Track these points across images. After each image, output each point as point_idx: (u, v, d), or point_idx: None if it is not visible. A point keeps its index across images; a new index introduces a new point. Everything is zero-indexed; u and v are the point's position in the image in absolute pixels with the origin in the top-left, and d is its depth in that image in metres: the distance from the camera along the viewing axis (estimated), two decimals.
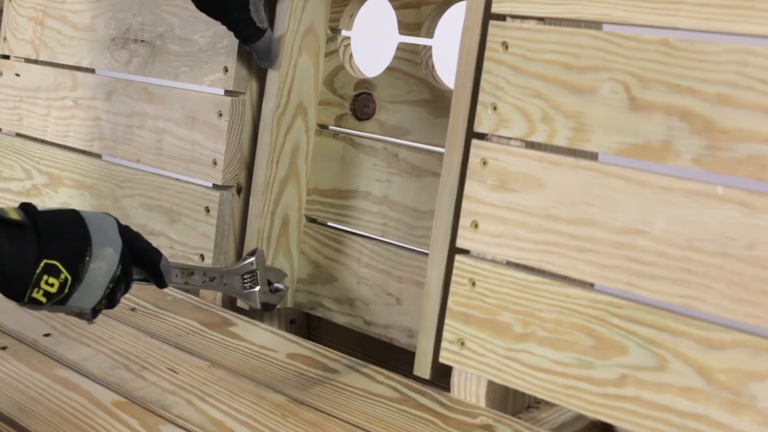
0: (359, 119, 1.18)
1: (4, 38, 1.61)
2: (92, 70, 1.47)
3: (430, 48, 1.14)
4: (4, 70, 1.60)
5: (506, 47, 0.95)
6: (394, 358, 1.19)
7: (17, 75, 1.58)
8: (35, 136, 1.54)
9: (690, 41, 0.84)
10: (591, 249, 0.89)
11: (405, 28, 1.16)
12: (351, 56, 1.22)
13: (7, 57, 1.61)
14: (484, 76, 0.97)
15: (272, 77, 1.19)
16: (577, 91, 0.90)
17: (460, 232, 0.98)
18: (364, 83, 1.18)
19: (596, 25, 0.93)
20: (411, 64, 1.14)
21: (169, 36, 1.33)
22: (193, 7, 1.28)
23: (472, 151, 0.97)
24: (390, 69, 1.16)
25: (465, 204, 0.98)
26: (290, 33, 1.17)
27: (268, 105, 1.19)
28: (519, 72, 0.94)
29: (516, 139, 0.95)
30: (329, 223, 1.22)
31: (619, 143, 0.88)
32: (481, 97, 0.97)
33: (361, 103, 1.17)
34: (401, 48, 1.15)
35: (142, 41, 1.37)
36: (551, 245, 0.91)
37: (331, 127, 1.22)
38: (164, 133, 1.32)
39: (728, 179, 0.82)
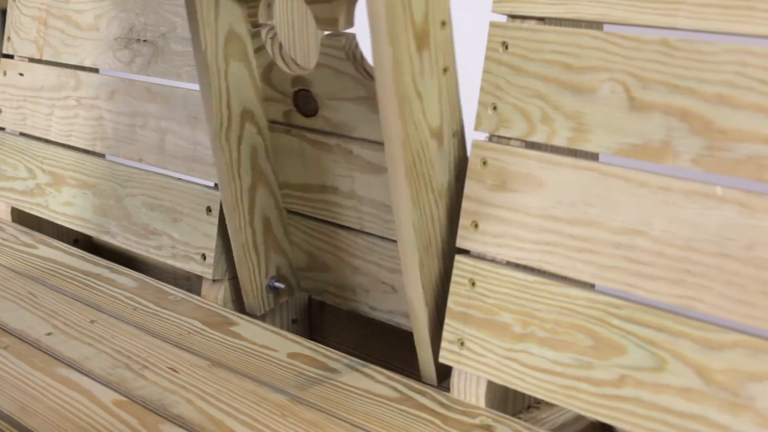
0: (305, 116, 1.14)
1: (8, 38, 1.61)
2: (96, 70, 1.47)
3: (353, 39, 1.08)
4: (8, 69, 1.61)
5: (506, 47, 0.95)
6: (397, 357, 1.19)
7: (21, 74, 1.58)
8: (39, 135, 1.54)
9: (689, 41, 0.84)
10: (590, 249, 0.89)
11: (322, 23, 1.08)
12: (281, 46, 1.16)
13: (11, 56, 1.61)
14: (484, 76, 0.96)
15: (206, 98, 1.13)
16: (577, 91, 0.90)
17: (460, 232, 0.98)
18: (301, 80, 1.13)
19: (596, 25, 0.92)
20: (338, 60, 1.08)
21: (171, 36, 1.33)
22: None
23: (472, 151, 0.97)
24: (320, 65, 1.10)
25: (465, 204, 0.98)
26: (209, 48, 1.10)
27: (211, 126, 1.14)
28: (519, 72, 0.94)
29: (516, 139, 0.95)
30: (309, 215, 1.20)
31: (619, 143, 0.88)
32: (481, 97, 0.97)
33: (302, 99, 1.13)
34: (325, 44, 1.09)
35: (144, 41, 1.37)
36: (551, 245, 0.91)
37: (282, 124, 1.17)
38: (166, 132, 1.32)
39: (727, 179, 0.81)
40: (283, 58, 1.15)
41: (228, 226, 1.19)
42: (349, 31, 1.07)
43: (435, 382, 1.02)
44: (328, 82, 1.10)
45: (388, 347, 1.21)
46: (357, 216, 1.13)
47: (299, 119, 1.15)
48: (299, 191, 1.19)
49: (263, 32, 1.15)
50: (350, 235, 1.15)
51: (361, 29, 1.04)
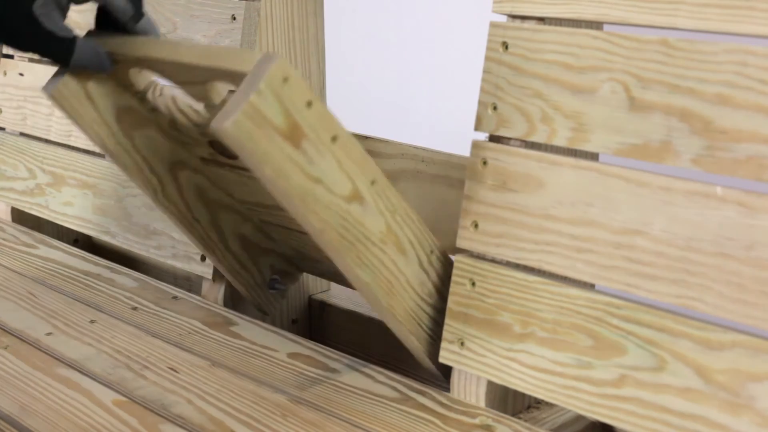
0: (229, 158, 1.05)
1: None
2: None
3: None
4: (8, 69, 1.61)
5: (506, 47, 0.95)
6: (397, 357, 1.19)
7: (21, 74, 1.58)
8: (39, 135, 1.54)
9: (689, 41, 0.84)
10: (590, 249, 0.89)
11: (196, 97, 0.99)
12: (175, 99, 1.02)
13: (11, 56, 1.61)
14: (484, 76, 0.97)
15: (130, 176, 1.08)
16: (577, 91, 0.90)
17: (460, 232, 0.98)
18: (208, 133, 1.01)
19: (596, 25, 0.93)
20: None
21: (171, 36, 1.33)
22: (195, 6, 1.29)
23: (472, 151, 0.98)
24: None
25: (465, 204, 0.98)
26: (106, 135, 1.03)
27: (147, 194, 1.09)
28: (519, 72, 0.94)
29: (516, 139, 0.95)
30: (278, 224, 1.18)
31: (619, 143, 0.88)
32: (481, 97, 0.97)
33: (218, 145, 1.03)
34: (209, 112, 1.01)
35: None
36: (551, 245, 0.91)
37: (211, 161, 1.10)
38: None
39: (727, 180, 0.81)
40: (180, 110, 1.03)
41: (211, 261, 1.17)
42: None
43: (443, 380, 1.02)
44: None
45: (388, 347, 1.21)
46: None
47: (225, 159, 1.08)
48: (259, 207, 1.14)
49: (149, 94, 1.04)
50: None
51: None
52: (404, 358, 1.15)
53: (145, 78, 1.02)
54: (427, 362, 1.01)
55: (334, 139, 0.86)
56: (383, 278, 0.94)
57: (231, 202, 1.15)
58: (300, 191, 0.85)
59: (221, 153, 1.04)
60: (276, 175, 0.83)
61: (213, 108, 0.97)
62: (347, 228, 0.89)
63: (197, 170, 1.12)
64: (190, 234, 1.13)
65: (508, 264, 0.95)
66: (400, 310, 0.97)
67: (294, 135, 0.83)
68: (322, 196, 0.86)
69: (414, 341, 0.99)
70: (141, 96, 1.03)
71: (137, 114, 1.05)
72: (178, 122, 1.04)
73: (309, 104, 0.84)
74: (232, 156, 1.02)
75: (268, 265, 1.21)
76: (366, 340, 1.24)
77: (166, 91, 1.01)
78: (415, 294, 0.98)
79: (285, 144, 0.83)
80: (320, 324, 1.31)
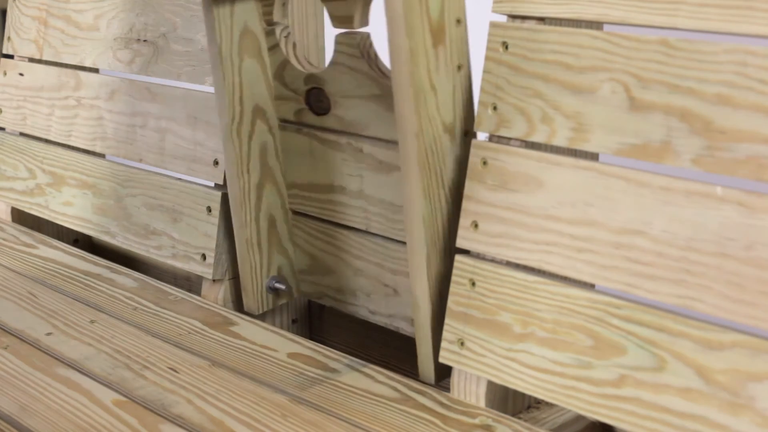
0: (317, 114, 1.14)
1: (8, 38, 1.61)
2: (96, 70, 1.47)
3: (368, 38, 1.09)
4: (8, 69, 1.61)
5: (506, 47, 0.95)
6: (397, 357, 1.19)
7: (21, 74, 1.58)
8: (39, 135, 1.54)
9: (689, 41, 0.84)
10: (590, 249, 0.89)
11: (338, 21, 1.09)
12: (294, 45, 1.17)
13: (11, 56, 1.61)
14: (484, 76, 0.97)
15: (219, 92, 1.14)
16: (577, 91, 0.90)
17: (460, 232, 0.98)
18: (314, 78, 1.13)
19: (596, 25, 0.92)
20: (353, 58, 1.09)
21: (171, 36, 1.33)
22: (195, 6, 1.29)
23: (472, 151, 0.98)
24: (334, 63, 1.10)
25: (465, 204, 0.98)
26: (225, 42, 1.12)
27: (223, 120, 1.15)
28: (519, 72, 0.94)
29: (516, 139, 0.95)
30: (315, 215, 1.20)
31: (619, 143, 0.88)
32: (481, 97, 0.97)
33: (314, 98, 1.13)
34: (340, 42, 1.09)
35: (144, 41, 1.37)
36: (551, 245, 0.91)
37: (293, 123, 1.17)
38: (166, 132, 1.32)
39: (727, 179, 0.81)
40: (296, 56, 1.16)
41: (233, 221, 1.19)
42: (363, 30, 1.08)
43: (433, 381, 1.02)
44: (342, 80, 1.10)
45: (388, 347, 1.21)
46: (364, 216, 1.13)
47: (310, 118, 1.15)
48: (306, 191, 1.19)
49: (278, 30, 1.16)
50: (355, 235, 1.15)
51: (374, 29, 1.09)
52: (404, 358, 1.15)
53: (284, 13, 1.15)
54: (428, 345, 1.01)
55: (459, 67, 0.95)
56: (435, 226, 0.97)
57: (280, 181, 1.20)
58: (418, 85, 0.92)
59: (313, 107, 1.12)
60: (410, 54, 0.90)
61: (350, 35, 1.08)
62: (434, 152, 0.95)
63: (271, 130, 1.18)
64: (235, 181, 1.16)
65: (508, 264, 0.95)
66: (434, 268, 0.99)
67: (437, 35, 0.92)
68: (431, 105, 0.93)
69: (428, 307, 1.00)
70: (270, 28, 1.14)
71: (257, 44, 1.14)
72: (288, 68, 1.14)
73: (458, 21, 0.94)
74: (322, 112, 1.12)
75: (276, 265, 1.21)
76: (366, 341, 1.24)
77: (291, 37, 1.15)
78: (450, 264, 0.99)
79: (428, 35, 0.91)
80: (320, 324, 1.31)
